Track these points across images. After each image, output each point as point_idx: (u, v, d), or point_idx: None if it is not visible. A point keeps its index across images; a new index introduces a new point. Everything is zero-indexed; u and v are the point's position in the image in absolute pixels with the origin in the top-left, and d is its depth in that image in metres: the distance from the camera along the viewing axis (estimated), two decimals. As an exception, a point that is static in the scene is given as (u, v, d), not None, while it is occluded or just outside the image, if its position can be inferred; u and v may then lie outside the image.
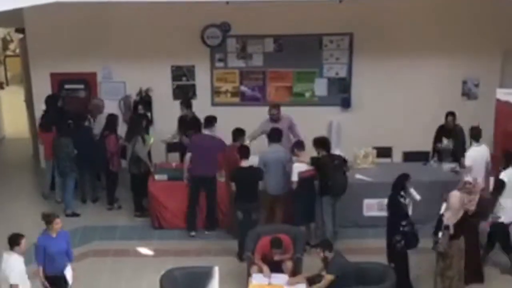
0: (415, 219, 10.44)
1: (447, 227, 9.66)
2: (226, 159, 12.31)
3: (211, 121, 12.52)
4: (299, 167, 11.70)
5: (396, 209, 10.23)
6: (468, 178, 10.35)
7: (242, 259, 11.24)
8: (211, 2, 12.53)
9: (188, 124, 13.69)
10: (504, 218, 10.84)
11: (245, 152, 11.71)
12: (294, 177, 11.70)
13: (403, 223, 10.03)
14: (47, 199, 14.11)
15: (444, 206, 9.87)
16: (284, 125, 13.02)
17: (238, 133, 12.40)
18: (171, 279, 9.53)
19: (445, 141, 13.23)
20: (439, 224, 9.78)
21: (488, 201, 10.67)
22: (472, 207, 10.08)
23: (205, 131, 12.55)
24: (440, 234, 9.72)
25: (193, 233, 12.49)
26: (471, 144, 12.11)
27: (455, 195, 9.81)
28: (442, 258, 9.93)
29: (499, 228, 10.97)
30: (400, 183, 10.38)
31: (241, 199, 11.54)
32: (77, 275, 11.07)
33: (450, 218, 9.69)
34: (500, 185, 10.82)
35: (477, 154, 11.86)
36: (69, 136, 13.34)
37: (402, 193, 10.25)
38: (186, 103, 13.98)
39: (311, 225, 12.08)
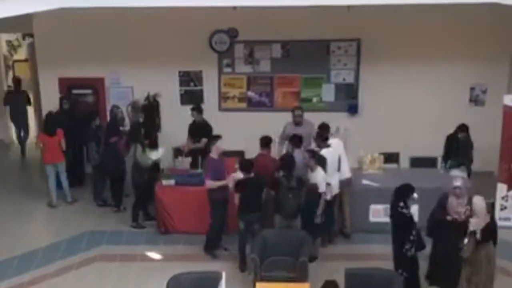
0: (420, 225, 10.43)
1: (472, 233, 9.59)
2: (259, 167, 11.83)
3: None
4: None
5: (400, 220, 10.10)
6: (457, 183, 10.28)
7: (243, 270, 11.26)
8: (218, 8, 12.55)
9: (198, 129, 13.71)
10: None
11: (246, 165, 11.43)
12: (323, 188, 11.54)
13: (412, 234, 9.97)
14: (55, 207, 14.13)
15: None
16: (305, 130, 13.02)
17: (266, 140, 12.27)
18: (177, 284, 9.49)
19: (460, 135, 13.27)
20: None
21: None
22: (461, 209, 10.05)
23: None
24: (465, 240, 9.65)
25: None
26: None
27: (480, 200, 9.73)
28: (469, 264, 9.83)
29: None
30: (402, 194, 10.15)
31: (244, 209, 11.31)
32: (83, 280, 11.20)
33: (477, 223, 9.60)
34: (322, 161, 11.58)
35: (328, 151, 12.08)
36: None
37: (401, 204, 10.03)
38: (198, 109, 13.98)
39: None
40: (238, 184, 11.33)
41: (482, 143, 13.74)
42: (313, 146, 12.46)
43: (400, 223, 10.11)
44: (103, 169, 13.79)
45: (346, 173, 12.35)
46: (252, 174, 11.35)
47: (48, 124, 14.00)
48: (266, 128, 12.90)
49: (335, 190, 11.99)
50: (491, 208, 12.79)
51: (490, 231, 9.79)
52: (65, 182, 14.13)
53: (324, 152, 11.87)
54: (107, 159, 13.58)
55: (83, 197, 14.42)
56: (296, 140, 12.12)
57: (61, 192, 14.19)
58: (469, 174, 12.88)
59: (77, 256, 12.02)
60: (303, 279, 10.12)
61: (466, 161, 13.07)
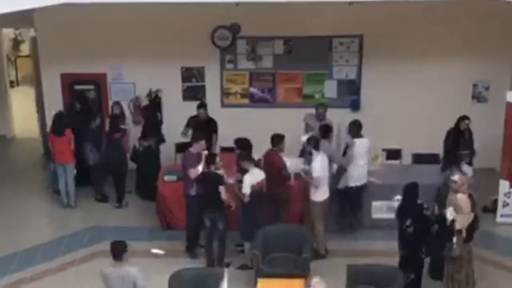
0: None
1: (459, 231, 9.60)
2: (268, 165, 11.80)
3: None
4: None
5: (424, 222, 9.90)
6: (454, 177, 10.26)
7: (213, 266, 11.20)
8: (221, 4, 12.53)
9: (203, 125, 13.68)
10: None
11: (212, 159, 11.18)
12: (246, 189, 11.13)
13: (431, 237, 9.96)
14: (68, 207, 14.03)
15: (450, 209, 9.78)
16: None
17: (277, 139, 11.89)
18: (179, 280, 9.52)
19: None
20: (446, 227, 9.74)
21: None
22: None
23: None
24: (454, 239, 9.65)
25: None
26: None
27: (462, 198, 9.76)
28: (452, 261, 9.87)
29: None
30: (415, 195, 9.98)
31: (206, 206, 11.13)
32: (85, 276, 11.19)
33: (462, 222, 9.63)
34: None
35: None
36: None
37: (425, 205, 9.95)
38: (202, 105, 13.99)
39: (245, 244, 11.45)
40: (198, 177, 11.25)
41: (484, 140, 13.74)
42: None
43: (424, 225, 9.94)
44: (105, 164, 13.78)
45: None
46: (213, 168, 11.11)
47: (56, 124, 13.71)
48: (268, 124, 12.93)
49: (356, 181, 12.09)
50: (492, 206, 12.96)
51: (474, 229, 9.84)
52: (71, 186, 13.82)
53: (356, 141, 12.11)
54: (111, 155, 13.56)
55: (85, 194, 14.39)
56: (324, 130, 12.11)
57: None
58: (471, 164, 12.88)
59: (79, 252, 12.04)
60: (305, 275, 10.12)
61: (472, 151, 13.03)
